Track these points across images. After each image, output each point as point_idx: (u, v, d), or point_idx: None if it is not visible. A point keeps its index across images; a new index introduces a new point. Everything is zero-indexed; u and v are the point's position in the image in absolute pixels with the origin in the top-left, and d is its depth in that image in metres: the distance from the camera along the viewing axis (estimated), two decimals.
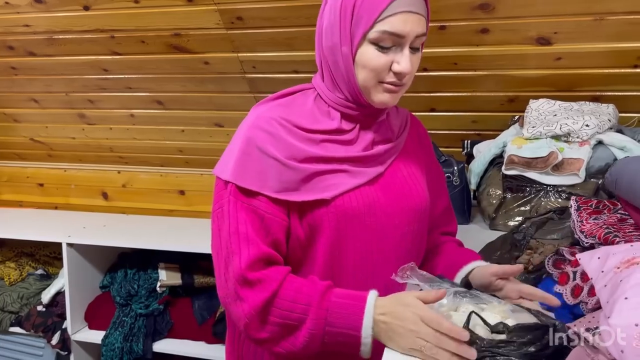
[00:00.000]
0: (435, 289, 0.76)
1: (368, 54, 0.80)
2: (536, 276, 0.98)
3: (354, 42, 0.81)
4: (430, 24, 0.85)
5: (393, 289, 0.88)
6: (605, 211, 0.94)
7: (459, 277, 0.93)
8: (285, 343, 0.78)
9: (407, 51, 0.80)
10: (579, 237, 0.87)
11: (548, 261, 0.92)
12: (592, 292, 0.77)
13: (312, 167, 0.83)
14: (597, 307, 0.74)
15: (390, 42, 0.79)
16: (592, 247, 0.84)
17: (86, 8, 1.69)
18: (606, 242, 0.79)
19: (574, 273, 0.84)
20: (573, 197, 1.00)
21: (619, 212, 0.92)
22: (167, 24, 1.68)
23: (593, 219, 0.90)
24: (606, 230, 0.81)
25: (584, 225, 0.88)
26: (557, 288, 0.86)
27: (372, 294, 0.77)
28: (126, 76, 1.95)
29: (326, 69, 0.87)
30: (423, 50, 0.87)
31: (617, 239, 0.77)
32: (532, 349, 0.64)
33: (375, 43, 0.80)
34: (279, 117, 0.84)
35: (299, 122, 0.85)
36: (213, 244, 0.85)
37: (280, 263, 0.83)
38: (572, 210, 0.95)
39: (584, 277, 0.81)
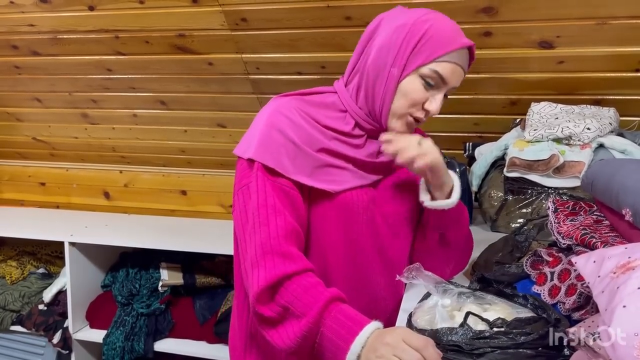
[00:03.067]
0: (441, 289, 0.77)
1: (414, 85, 0.87)
2: None
3: (407, 69, 0.86)
4: None
5: (382, 290, 0.95)
6: (582, 213, 0.95)
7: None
8: (282, 330, 0.76)
9: (442, 96, 0.89)
10: (557, 239, 0.89)
11: (526, 262, 0.94)
12: (569, 292, 0.79)
13: (324, 158, 0.88)
14: (575, 307, 0.76)
15: (434, 82, 0.87)
16: (569, 248, 0.85)
17: (91, 8, 1.69)
18: (582, 243, 0.80)
19: (552, 274, 0.86)
20: (550, 199, 1.02)
21: (595, 213, 0.93)
22: (172, 24, 1.68)
23: (570, 221, 0.91)
24: (583, 232, 0.82)
25: (561, 227, 0.89)
26: (535, 288, 0.87)
27: (363, 335, 0.71)
28: (130, 76, 1.96)
29: (360, 79, 0.91)
30: None
31: (594, 240, 0.78)
32: (528, 338, 0.66)
33: (424, 78, 0.86)
34: (298, 108, 0.88)
35: (315, 116, 0.89)
36: (236, 219, 0.86)
37: (302, 244, 0.86)
38: (550, 212, 0.97)
39: (561, 277, 0.83)
